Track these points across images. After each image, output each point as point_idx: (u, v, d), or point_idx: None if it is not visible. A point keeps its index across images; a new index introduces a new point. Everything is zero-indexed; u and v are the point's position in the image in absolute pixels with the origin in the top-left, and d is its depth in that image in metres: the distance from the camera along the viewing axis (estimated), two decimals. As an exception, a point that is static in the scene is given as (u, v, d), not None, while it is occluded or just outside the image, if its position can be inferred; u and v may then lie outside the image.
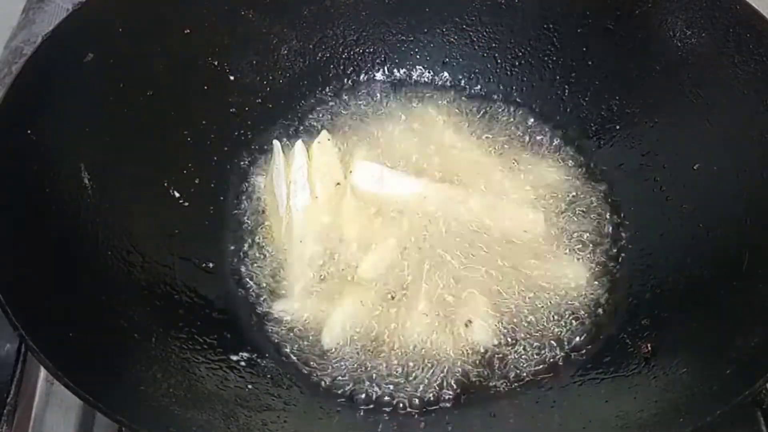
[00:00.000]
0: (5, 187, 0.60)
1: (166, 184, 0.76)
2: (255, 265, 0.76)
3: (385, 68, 0.92)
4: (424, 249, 0.76)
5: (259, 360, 0.68)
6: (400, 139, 0.86)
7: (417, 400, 0.67)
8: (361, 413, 0.66)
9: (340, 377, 0.68)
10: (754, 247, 0.64)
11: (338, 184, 0.81)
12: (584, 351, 0.70)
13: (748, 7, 0.72)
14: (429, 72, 0.93)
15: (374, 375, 0.68)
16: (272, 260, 0.76)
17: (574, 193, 0.82)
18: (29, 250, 0.59)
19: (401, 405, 0.67)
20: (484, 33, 0.89)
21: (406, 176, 0.81)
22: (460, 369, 0.69)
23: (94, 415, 0.68)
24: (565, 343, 0.71)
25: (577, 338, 0.71)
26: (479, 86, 0.91)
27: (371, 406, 0.67)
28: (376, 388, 0.67)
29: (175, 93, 0.78)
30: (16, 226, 0.59)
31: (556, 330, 0.71)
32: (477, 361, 0.69)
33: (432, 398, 0.67)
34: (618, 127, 0.83)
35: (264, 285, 0.74)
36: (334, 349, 0.70)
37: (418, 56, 0.92)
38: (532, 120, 0.88)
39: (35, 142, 0.63)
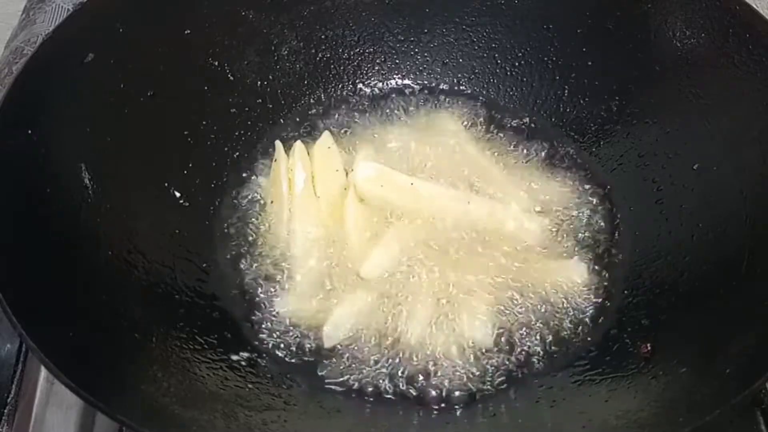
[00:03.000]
0: (5, 187, 0.60)
1: (166, 184, 0.76)
2: (256, 264, 0.76)
3: (385, 68, 0.92)
4: (425, 249, 0.76)
5: (259, 360, 0.68)
6: (401, 140, 0.86)
7: (417, 400, 0.67)
8: (361, 413, 0.66)
9: (340, 377, 0.68)
10: (753, 247, 0.64)
11: (341, 185, 0.80)
12: (584, 351, 0.70)
13: (748, 7, 0.72)
14: (429, 72, 0.93)
15: (375, 374, 0.68)
16: (273, 260, 0.76)
17: (573, 194, 0.82)
18: (29, 250, 0.59)
19: (401, 404, 0.67)
20: (484, 33, 0.89)
21: (408, 177, 0.81)
22: (460, 368, 0.69)
23: (95, 415, 0.68)
24: (565, 343, 0.71)
25: (577, 338, 0.71)
26: (479, 87, 0.91)
27: (371, 405, 0.67)
28: (377, 388, 0.67)
29: (175, 93, 0.78)
30: (16, 226, 0.59)
31: (556, 330, 0.71)
32: (477, 361, 0.69)
33: (432, 397, 0.67)
34: (617, 127, 0.83)
35: (265, 285, 0.74)
36: (334, 349, 0.70)
37: (418, 57, 0.92)
38: (531, 120, 0.88)
39: (36, 142, 0.63)
